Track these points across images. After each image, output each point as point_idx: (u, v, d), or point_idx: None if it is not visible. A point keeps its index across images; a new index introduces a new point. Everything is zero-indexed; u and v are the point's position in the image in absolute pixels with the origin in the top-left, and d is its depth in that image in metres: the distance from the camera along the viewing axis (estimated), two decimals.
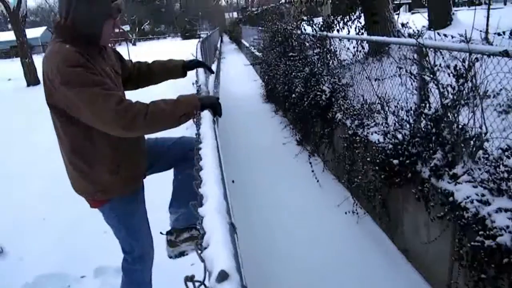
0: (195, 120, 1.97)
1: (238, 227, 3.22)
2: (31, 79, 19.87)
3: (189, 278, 0.83)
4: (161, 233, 2.73)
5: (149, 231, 2.58)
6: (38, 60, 20.23)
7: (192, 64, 2.84)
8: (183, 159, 2.43)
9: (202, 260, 0.80)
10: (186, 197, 1.91)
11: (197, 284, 0.81)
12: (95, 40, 2.06)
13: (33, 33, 55.28)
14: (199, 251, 0.83)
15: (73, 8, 1.95)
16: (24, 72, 20.08)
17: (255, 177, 6.35)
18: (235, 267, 0.75)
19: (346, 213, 4.86)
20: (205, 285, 0.79)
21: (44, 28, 61.19)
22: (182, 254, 2.72)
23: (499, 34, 2.91)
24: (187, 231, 2.64)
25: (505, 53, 2.58)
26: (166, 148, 2.55)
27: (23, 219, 5.22)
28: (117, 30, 2.20)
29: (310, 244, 4.44)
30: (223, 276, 0.72)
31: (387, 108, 4.46)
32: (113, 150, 2.15)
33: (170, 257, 2.74)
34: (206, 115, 1.84)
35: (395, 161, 3.74)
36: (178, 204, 2.62)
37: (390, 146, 3.91)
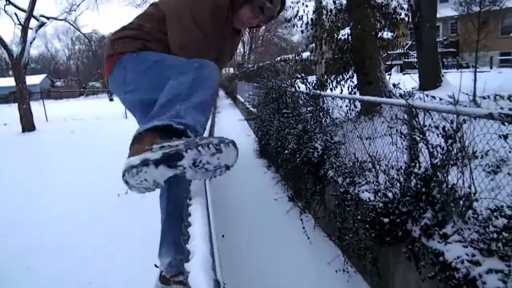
0: None
1: (227, 283, 3.15)
2: (26, 125, 19.88)
3: None
4: (155, 266, 2.63)
5: None
6: (35, 107, 20.46)
7: None
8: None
9: None
10: (176, 242, 1.94)
11: None
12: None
13: (32, 80, 55.97)
14: None
15: None
16: (20, 117, 20.15)
17: (246, 232, 6.29)
18: None
19: (336, 271, 4.79)
20: None
21: (44, 75, 62.11)
22: None
23: (484, 98, 3.01)
24: (182, 274, 2.55)
25: (490, 116, 2.66)
26: None
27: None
28: (251, 22, 2.31)
29: None
30: None
31: (378, 166, 4.52)
32: None
33: None
34: None
35: (386, 220, 3.75)
36: (168, 249, 2.52)
37: (381, 204, 3.92)
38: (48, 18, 22.86)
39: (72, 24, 26.36)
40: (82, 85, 60.85)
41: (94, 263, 5.16)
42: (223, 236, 5.65)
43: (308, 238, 5.69)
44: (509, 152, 2.58)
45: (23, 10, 20.12)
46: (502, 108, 2.66)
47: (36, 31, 21.32)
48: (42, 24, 21.89)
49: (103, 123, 19.61)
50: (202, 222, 1.21)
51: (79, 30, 28.28)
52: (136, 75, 2.11)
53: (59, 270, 4.97)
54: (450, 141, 3.18)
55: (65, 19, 25.33)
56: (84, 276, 4.82)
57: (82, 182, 8.83)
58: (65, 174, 9.72)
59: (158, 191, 2.60)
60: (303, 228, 5.84)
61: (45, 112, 22.81)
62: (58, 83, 66.25)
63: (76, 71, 65.94)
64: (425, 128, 3.47)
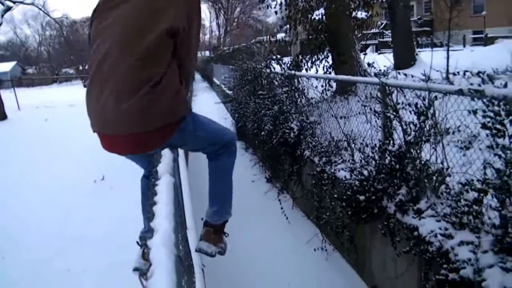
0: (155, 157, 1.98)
1: (207, 266, 3.16)
2: None
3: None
4: (202, 219, 2.80)
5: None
6: (5, 95, 19.90)
7: None
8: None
9: None
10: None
11: None
12: None
13: (2, 67, 54.52)
14: (144, 281, 0.85)
15: None
16: None
17: None
18: None
19: (315, 249, 4.86)
20: None
21: (14, 63, 60.43)
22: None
23: (454, 74, 3.05)
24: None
25: (460, 92, 2.70)
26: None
27: None
28: None
29: (281, 281, 4.40)
30: None
31: (353, 145, 4.56)
32: None
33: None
34: (166, 153, 1.87)
35: (362, 197, 3.79)
36: (146, 226, 2.60)
37: (357, 182, 3.97)
38: (14, 2, 21.98)
39: (40, 9, 25.66)
40: (55, 72, 59.48)
41: (72, 250, 5.11)
42: (202, 219, 5.64)
43: (287, 218, 5.73)
44: (480, 127, 2.62)
45: None
46: (472, 84, 2.70)
47: (2, 15, 20.53)
48: (8, 9, 21.08)
49: (77, 110, 19.26)
50: (167, 201, 1.22)
51: (49, 15, 27.63)
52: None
53: (36, 259, 4.89)
54: (422, 117, 3.22)
55: (32, 3, 24.56)
56: (62, 263, 4.77)
57: (58, 169, 8.68)
58: (40, 162, 9.54)
59: (136, 174, 2.77)
60: (282, 208, 5.88)
61: (17, 100, 22.21)
62: (29, 70, 64.54)
63: (48, 58, 64.29)
64: (398, 106, 3.50)
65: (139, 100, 2.01)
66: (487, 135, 2.59)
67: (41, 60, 67.13)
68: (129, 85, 2.03)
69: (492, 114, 2.47)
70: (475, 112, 2.61)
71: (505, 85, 2.52)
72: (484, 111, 2.54)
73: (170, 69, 2.10)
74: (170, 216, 1.12)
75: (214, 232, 2.67)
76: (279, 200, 6.13)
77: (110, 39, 2.08)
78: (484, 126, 2.55)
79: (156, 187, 1.35)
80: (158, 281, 0.83)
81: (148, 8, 2.09)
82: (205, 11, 52.42)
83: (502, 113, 2.42)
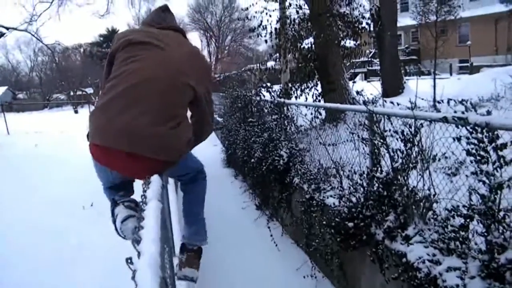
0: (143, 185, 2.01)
1: None
2: None
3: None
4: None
5: None
6: None
7: None
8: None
9: None
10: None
11: None
12: None
13: None
14: None
15: None
16: None
17: (214, 241, 6.23)
18: None
19: (304, 277, 4.83)
20: None
21: (4, 88, 60.15)
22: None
23: (439, 102, 3.12)
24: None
25: (444, 119, 2.75)
26: None
27: None
28: None
29: None
30: None
31: (342, 172, 4.59)
32: None
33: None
34: (154, 179, 1.90)
35: (350, 224, 3.81)
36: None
37: (345, 209, 3.99)
38: (7, 29, 22.06)
39: (33, 35, 25.63)
40: (46, 97, 59.31)
41: (62, 274, 5.04)
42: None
43: (276, 245, 5.71)
44: (465, 154, 2.67)
45: None
46: (455, 112, 2.76)
47: None
48: (1, 35, 21.20)
49: (67, 136, 19.18)
50: (154, 225, 1.23)
51: (41, 41, 27.57)
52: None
53: (23, 282, 4.83)
54: (409, 145, 3.27)
55: (26, 30, 24.62)
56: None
57: (47, 195, 8.59)
58: (29, 187, 9.45)
59: None
60: (271, 235, 5.86)
61: (6, 125, 22.11)
62: (20, 95, 64.29)
63: (40, 83, 64.16)
64: (385, 133, 3.56)
65: (168, 130, 2.30)
66: (471, 162, 2.63)
67: (32, 85, 66.91)
68: (163, 112, 2.30)
69: (475, 141, 2.52)
70: (459, 139, 2.66)
71: (489, 113, 2.58)
72: (468, 138, 2.59)
73: (186, 116, 2.52)
74: (156, 239, 1.14)
75: (195, 256, 2.69)
76: (269, 227, 6.11)
77: (152, 72, 2.36)
78: (468, 153, 2.60)
79: (144, 212, 1.37)
80: None
81: (189, 61, 2.53)
82: (197, 39, 52.95)
83: (485, 140, 2.48)
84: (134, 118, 2.21)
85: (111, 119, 2.25)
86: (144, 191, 1.68)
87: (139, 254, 1.08)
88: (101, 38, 56.75)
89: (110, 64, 2.53)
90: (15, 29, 23.58)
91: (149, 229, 1.21)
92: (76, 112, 40.09)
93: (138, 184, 2.48)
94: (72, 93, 54.87)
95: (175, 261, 2.96)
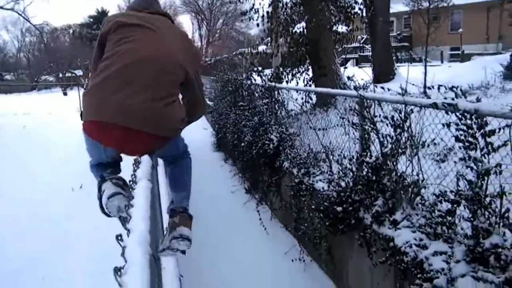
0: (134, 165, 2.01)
1: (185, 276, 3.16)
2: None
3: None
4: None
5: None
6: None
7: None
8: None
9: (120, 285, 0.83)
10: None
11: None
12: None
13: None
14: (118, 278, 0.86)
15: None
16: None
17: (203, 225, 6.26)
18: None
19: (293, 260, 4.87)
20: None
21: None
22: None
23: (429, 88, 3.13)
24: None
25: (434, 105, 2.77)
26: None
27: None
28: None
29: None
30: None
31: (331, 156, 4.61)
32: None
33: None
34: (144, 160, 1.90)
35: (339, 208, 3.83)
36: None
37: (334, 193, 4.01)
38: None
39: (20, 14, 25.26)
40: (34, 78, 58.54)
41: (49, 259, 5.03)
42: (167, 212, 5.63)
43: (265, 229, 5.75)
44: (454, 140, 2.68)
45: None
46: (445, 98, 2.77)
47: None
48: None
49: (56, 117, 19.01)
50: (143, 204, 1.23)
51: (29, 21, 27.21)
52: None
53: (10, 268, 4.82)
54: (398, 130, 3.29)
55: (12, 9, 24.19)
56: (38, 272, 4.70)
57: (36, 177, 8.56)
58: (18, 169, 9.39)
59: None
60: (260, 219, 5.89)
61: None
62: (7, 77, 63.38)
63: (28, 64, 63.25)
64: (375, 118, 3.57)
65: (164, 107, 2.33)
66: (460, 148, 2.65)
67: (20, 66, 65.92)
68: (157, 91, 2.33)
69: (464, 127, 2.54)
70: (448, 126, 2.67)
71: (478, 100, 2.59)
72: (457, 124, 2.60)
73: (178, 97, 2.56)
74: (146, 217, 1.14)
75: (188, 218, 2.70)
76: (258, 211, 6.14)
77: (146, 52, 2.39)
78: (457, 139, 2.61)
79: (134, 191, 1.37)
80: (132, 278, 0.84)
81: (181, 42, 2.61)
82: (188, 21, 52.40)
83: (474, 126, 2.49)
84: (128, 96, 2.24)
85: (105, 98, 2.26)
86: (134, 170, 1.68)
87: (128, 231, 1.08)
88: (91, 19, 55.94)
89: (101, 45, 2.54)
90: (1, 7, 23.13)
91: (139, 208, 1.21)
92: (65, 94, 39.65)
93: (126, 164, 2.49)
94: (61, 75, 54.15)
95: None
